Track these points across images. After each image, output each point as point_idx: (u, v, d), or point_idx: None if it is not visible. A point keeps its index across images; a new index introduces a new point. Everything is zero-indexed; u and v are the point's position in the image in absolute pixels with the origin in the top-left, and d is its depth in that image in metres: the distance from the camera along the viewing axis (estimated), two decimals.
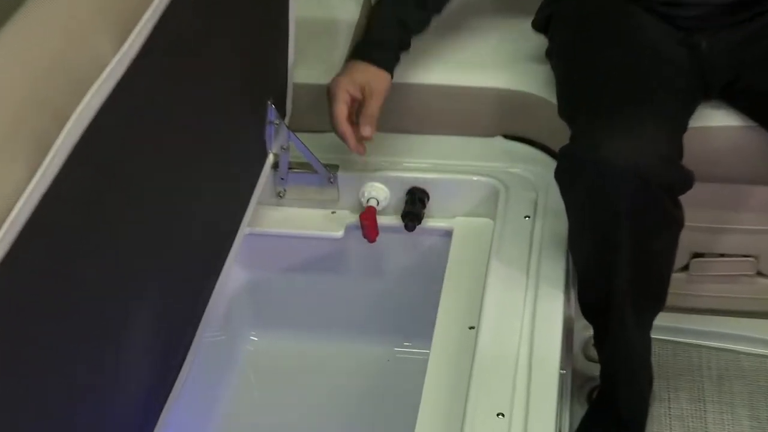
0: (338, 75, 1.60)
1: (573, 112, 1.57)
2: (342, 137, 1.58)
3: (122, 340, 1.19)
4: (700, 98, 1.63)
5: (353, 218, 1.74)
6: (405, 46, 1.65)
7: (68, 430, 1.08)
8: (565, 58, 1.67)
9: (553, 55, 1.72)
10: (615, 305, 1.51)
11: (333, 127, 1.58)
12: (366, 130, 1.57)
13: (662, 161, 1.41)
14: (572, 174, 1.46)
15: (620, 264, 1.46)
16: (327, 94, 1.59)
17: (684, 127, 1.54)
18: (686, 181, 1.45)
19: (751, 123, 1.63)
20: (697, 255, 1.86)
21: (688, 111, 1.58)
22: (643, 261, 1.48)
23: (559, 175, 1.49)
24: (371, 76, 1.59)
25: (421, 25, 1.67)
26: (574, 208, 1.51)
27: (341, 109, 1.56)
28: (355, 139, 1.57)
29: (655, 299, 1.57)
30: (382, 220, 1.72)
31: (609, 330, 1.56)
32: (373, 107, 1.57)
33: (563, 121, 1.58)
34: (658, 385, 1.80)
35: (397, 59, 1.63)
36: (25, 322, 0.93)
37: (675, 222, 1.48)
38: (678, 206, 1.47)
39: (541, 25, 1.76)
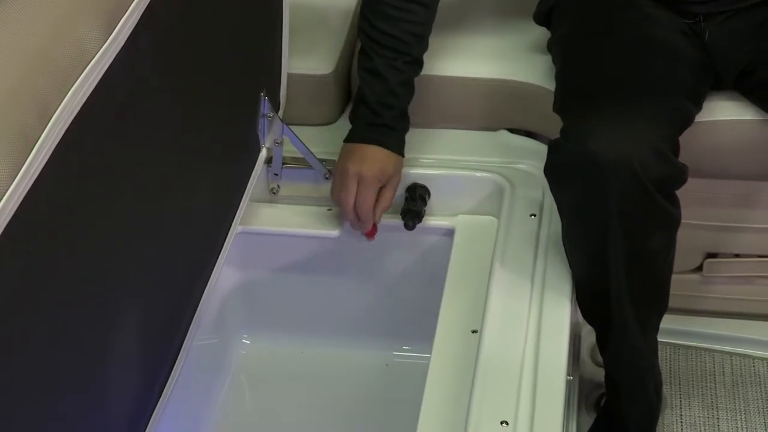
0: (361, 160, 1.61)
1: (565, 105, 1.57)
2: (365, 222, 1.65)
3: (107, 346, 1.19)
4: (708, 91, 1.63)
5: None
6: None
7: None
8: (563, 50, 1.68)
9: (553, 48, 1.72)
10: (614, 307, 1.51)
11: (358, 210, 1.63)
12: (379, 219, 1.66)
13: (653, 154, 1.40)
14: (560, 169, 1.47)
15: (615, 264, 1.46)
16: (348, 174, 1.61)
17: (686, 121, 1.54)
18: (679, 175, 1.45)
19: (766, 117, 1.63)
20: (710, 255, 1.87)
21: (693, 104, 1.57)
22: (639, 260, 1.48)
23: (548, 171, 1.49)
24: (395, 167, 1.64)
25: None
26: (564, 205, 1.51)
27: (372, 198, 1.62)
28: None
29: (656, 301, 1.57)
30: None
31: (610, 333, 1.57)
32: (390, 198, 1.65)
33: (557, 114, 1.58)
34: (669, 391, 1.81)
35: None
36: (4, 326, 0.93)
37: (670, 219, 1.48)
38: (673, 203, 1.47)
39: (542, 18, 1.76)
